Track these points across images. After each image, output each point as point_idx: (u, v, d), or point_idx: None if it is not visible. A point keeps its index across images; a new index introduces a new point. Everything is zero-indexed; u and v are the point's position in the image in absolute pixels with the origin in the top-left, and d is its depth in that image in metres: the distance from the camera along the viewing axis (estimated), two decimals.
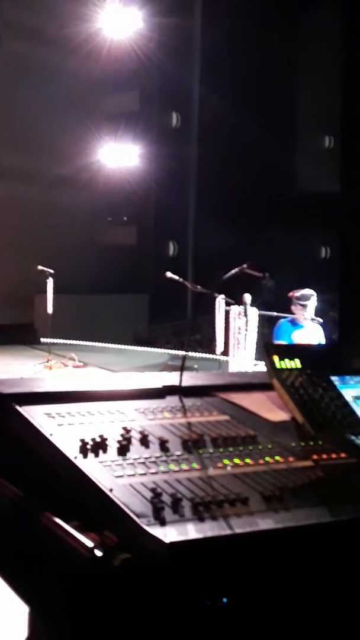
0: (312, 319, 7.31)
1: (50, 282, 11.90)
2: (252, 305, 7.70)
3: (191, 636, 1.38)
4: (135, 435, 1.66)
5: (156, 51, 15.09)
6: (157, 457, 1.58)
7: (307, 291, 7.07)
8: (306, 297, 7.00)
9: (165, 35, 14.60)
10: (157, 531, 1.32)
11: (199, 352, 13.24)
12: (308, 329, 7.10)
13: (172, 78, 16.44)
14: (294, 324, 7.12)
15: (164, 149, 16.42)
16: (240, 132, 14.55)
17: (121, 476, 1.49)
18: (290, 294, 7.19)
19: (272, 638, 1.46)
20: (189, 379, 2.02)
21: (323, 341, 7.15)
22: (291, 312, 7.11)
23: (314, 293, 7.07)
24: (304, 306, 6.99)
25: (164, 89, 17.25)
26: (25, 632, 1.83)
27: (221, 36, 15.15)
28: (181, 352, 10.13)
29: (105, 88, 17.20)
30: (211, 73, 16.00)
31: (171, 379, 2.00)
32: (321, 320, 7.45)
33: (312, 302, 7.05)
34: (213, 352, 8.89)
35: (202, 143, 16.85)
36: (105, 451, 1.58)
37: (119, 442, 1.61)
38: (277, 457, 1.65)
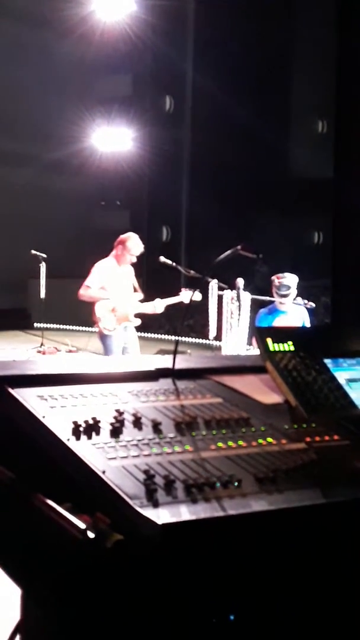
0: (305, 304, 7.34)
1: (43, 267, 11.87)
2: (244, 289, 7.70)
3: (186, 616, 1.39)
4: (128, 418, 1.65)
5: (149, 34, 14.98)
6: (150, 439, 1.58)
7: (285, 281, 7.09)
8: (281, 288, 7.05)
9: (159, 18, 14.49)
10: (149, 513, 1.32)
11: (191, 337, 13.24)
12: (291, 314, 7.15)
13: (165, 61, 16.33)
14: (273, 312, 7.17)
15: (157, 133, 16.34)
16: (234, 116, 14.47)
17: (114, 458, 1.49)
18: (273, 277, 7.23)
19: (265, 618, 1.47)
20: (182, 362, 2.01)
21: (308, 324, 7.19)
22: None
23: (291, 284, 7.08)
24: (281, 296, 7.05)
25: (158, 72, 17.13)
26: (18, 614, 1.84)
27: (215, 19, 15.03)
28: (174, 337, 10.12)
29: (98, 71, 17.07)
30: (205, 57, 15.90)
31: (164, 361, 1.99)
32: (313, 305, 7.47)
33: (292, 291, 7.10)
34: (206, 337, 8.89)
35: (195, 127, 16.76)
36: (98, 433, 1.58)
37: (111, 424, 1.61)
38: (270, 439, 1.65)
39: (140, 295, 7.64)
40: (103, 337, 7.48)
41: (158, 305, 7.59)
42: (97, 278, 7.45)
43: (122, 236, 7.61)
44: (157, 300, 7.62)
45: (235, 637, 1.43)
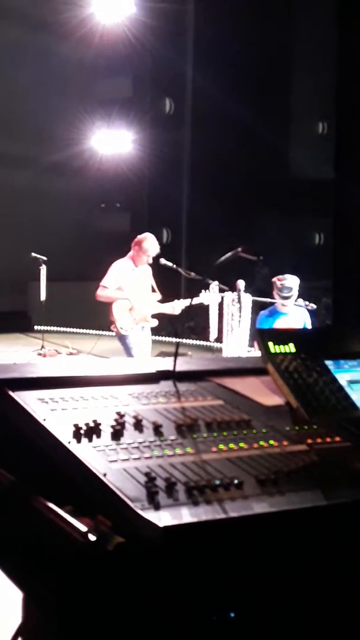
0: (306, 305, 7.33)
1: (43, 269, 11.87)
2: (245, 291, 7.69)
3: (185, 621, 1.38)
4: (129, 420, 1.65)
5: (149, 36, 14.99)
6: (151, 442, 1.58)
7: (287, 283, 7.09)
8: (285, 289, 7.05)
9: (158, 20, 14.50)
10: (151, 515, 1.32)
11: (192, 339, 13.24)
12: (292, 315, 7.14)
13: (165, 63, 16.34)
14: (274, 313, 7.18)
15: (157, 134, 16.35)
16: (234, 118, 14.48)
17: (115, 461, 1.48)
18: (274, 279, 7.23)
19: (266, 617, 1.46)
20: (183, 364, 2.01)
21: (309, 326, 7.18)
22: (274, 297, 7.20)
23: (293, 286, 7.09)
24: (284, 298, 7.06)
25: (157, 74, 17.14)
26: (19, 618, 1.84)
27: (214, 21, 15.04)
28: (175, 339, 10.12)
29: (98, 73, 17.09)
30: (204, 58, 15.90)
31: (165, 364, 1.99)
32: (314, 306, 7.47)
33: (294, 292, 7.11)
34: (207, 339, 8.88)
35: (195, 129, 16.76)
36: (99, 436, 1.57)
37: (112, 427, 1.61)
38: (272, 441, 1.65)
39: (158, 295, 7.63)
40: (121, 338, 7.49)
41: (177, 306, 7.58)
42: (113, 278, 7.46)
43: (139, 237, 7.63)
44: (176, 301, 7.63)
45: (236, 635, 1.43)
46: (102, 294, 7.47)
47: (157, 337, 13.23)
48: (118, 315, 7.40)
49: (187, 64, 16.69)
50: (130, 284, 7.43)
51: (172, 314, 7.66)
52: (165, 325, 13.64)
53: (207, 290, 7.63)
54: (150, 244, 7.49)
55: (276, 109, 15.57)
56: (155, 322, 7.54)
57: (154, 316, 7.54)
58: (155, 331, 7.84)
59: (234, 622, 1.41)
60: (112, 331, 7.70)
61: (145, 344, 7.60)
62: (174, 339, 12.64)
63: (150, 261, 7.59)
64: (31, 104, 15.73)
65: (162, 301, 7.67)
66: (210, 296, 7.59)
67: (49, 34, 15.23)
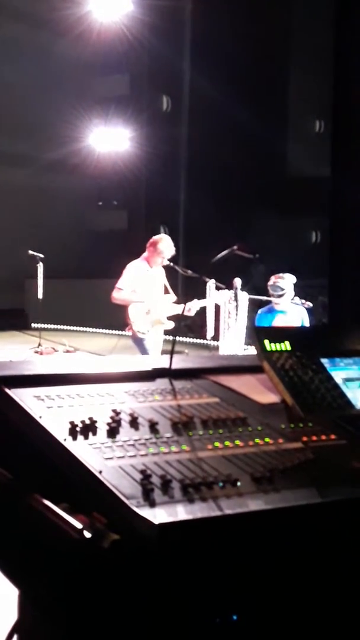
0: (302, 303, 7.35)
1: (40, 267, 11.87)
2: (242, 289, 7.70)
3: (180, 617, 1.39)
4: (125, 418, 1.66)
5: (146, 34, 14.97)
6: (146, 439, 1.58)
7: (279, 282, 7.11)
8: (275, 289, 7.07)
9: (156, 17, 14.47)
10: (146, 512, 1.32)
11: (189, 337, 13.23)
12: (290, 313, 7.16)
13: (162, 61, 16.31)
14: (272, 311, 7.19)
15: (154, 132, 16.33)
16: (231, 116, 14.46)
17: (111, 458, 1.49)
18: (272, 276, 7.25)
19: (265, 617, 1.47)
20: (179, 362, 2.01)
21: (307, 324, 7.21)
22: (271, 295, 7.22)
23: (285, 286, 7.10)
24: (275, 296, 7.08)
25: (155, 72, 17.12)
26: (15, 615, 1.84)
27: (212, 19, 15.03)
28: (171, 337, 10.13)
29: (95, 71, 17.07)
30: (202, 56, 15.88)
31: (161, 361, 1.99)
32: (310, 304, 7.48)
33: (287, 292, 7.12)
34: (203, 336, 8.88)
35: (192, 127, 16.74)
36: (94, 433, 1.58)
37: (108, 424, 1.61)
38: (267, 439, 1.65)
39: (173, 296, 7.56)
40: (137, 340, 7.41)
41: (193, 307, 7.53)
42: (129, 280, 7.36)
43: (154, 237, 7.56)
44: (192, 301, 7.60)
45: (238, 637, 1.44)
46: (118, 296, 7.38)
47: None
48: (135, 317, 7.32)
49: (185, 62, 16.67)
50: (145, 286, 7.35)
51: (186, 315, 7.60)
52: None
53: (218, 290, 7.61)
54: (165, 245, 7.43)
55: (273, 107, 15.56)
56: (171, 324, 7.47)
57: (169, 318, 7.49)
58: None
59: (237, 625, 1.41)
60: (128, 332, 7.61)
61: (157, 346, 7.55)
62: (170, 337, 12.63)
63: (165, 263, 7.53)
64: (28, 101, 15.69)
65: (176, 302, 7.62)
66: (221, 296, 7.56)
67: (46, 32, 15.21)
